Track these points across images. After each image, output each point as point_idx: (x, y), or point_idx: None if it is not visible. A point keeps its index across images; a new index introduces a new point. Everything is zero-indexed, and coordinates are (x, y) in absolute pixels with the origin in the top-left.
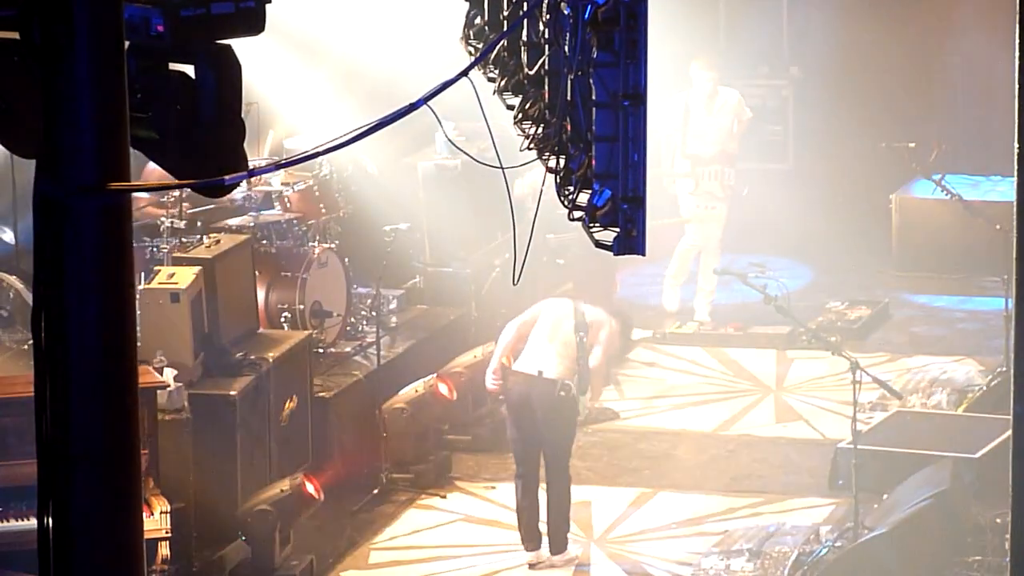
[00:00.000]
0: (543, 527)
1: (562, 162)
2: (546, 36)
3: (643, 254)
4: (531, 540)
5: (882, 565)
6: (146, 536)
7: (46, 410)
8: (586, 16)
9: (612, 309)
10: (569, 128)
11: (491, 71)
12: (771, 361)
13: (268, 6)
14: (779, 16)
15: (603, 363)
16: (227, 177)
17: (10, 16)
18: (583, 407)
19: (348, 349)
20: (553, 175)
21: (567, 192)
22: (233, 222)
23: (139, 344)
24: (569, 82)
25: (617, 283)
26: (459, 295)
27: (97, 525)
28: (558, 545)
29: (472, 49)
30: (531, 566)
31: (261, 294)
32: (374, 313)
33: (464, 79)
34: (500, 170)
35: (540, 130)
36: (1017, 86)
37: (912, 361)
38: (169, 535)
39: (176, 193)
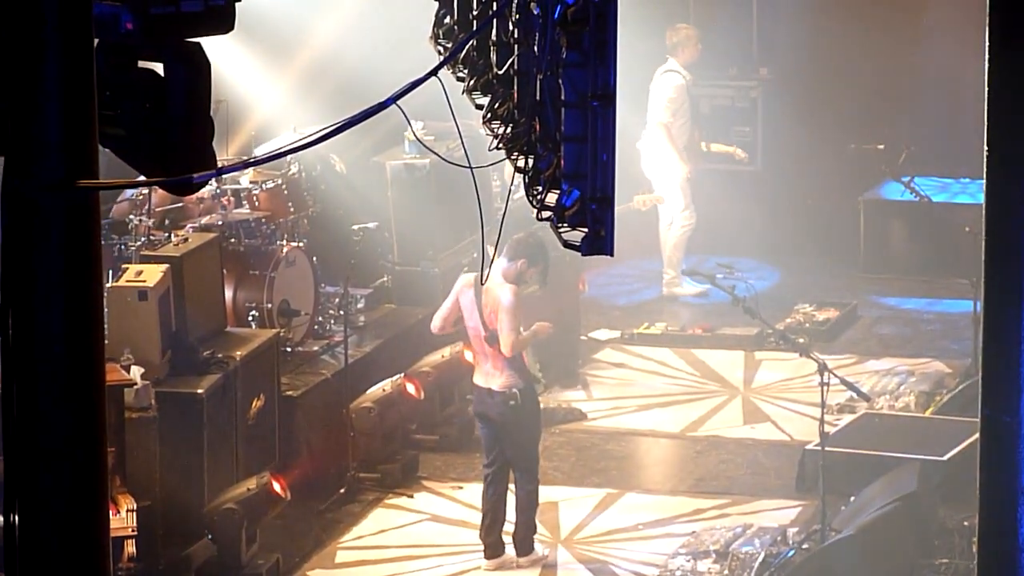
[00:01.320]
0: (507, 536)
1: (531, 162)
2: (515, 36)
3: (611, 254)
4: (492, 548)
5: (849, 567)
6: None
7: (13, 407)
8: (555, 16)
9: (512, 270)
10: (538, 128)
11: (460, 71)
12: (739, 362)
13: (237, 4)
14: (749, 17)
15: (513, 344)
16: (196, 175)
17: None
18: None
19: (316, 348)
20: (522, 175)
21: (535, 192)
22: (201, 221)
23: (106, 342)
24: (538, 82)
25: (585, 282)
26: (427, 294)
27: (63, 522)
28: (525, 547)
29: (441, 49)
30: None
31: (229, 292)
32: (342, 312)
33: (433, 78)
34: (469, 169)
35: (509, 130)
36: (987, 88)
37: (880, 363)
38: (135, 533)
39: (145, 191)
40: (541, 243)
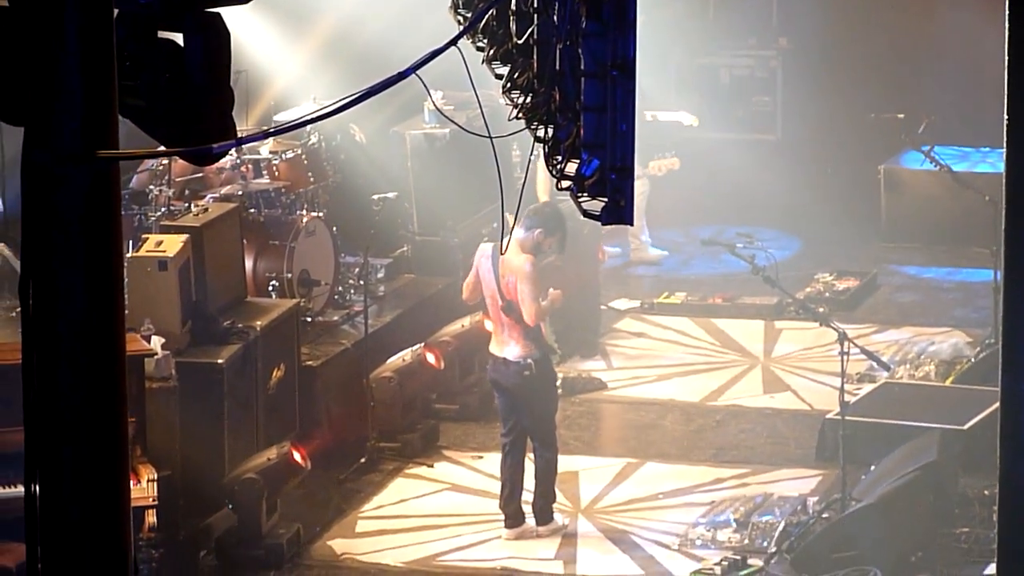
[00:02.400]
0: (527, 506)
1: (550, 132)
2: (535, 5)
3: (631, 223)
4: (512, 518)
5: (869, 536)
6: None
7: (34, 377)
8: None
9: (529, 241)
10: (558, 98)
11: (480, 40)
12: (759, 332)
13: None
14: None
15: (536, 313)
16: (215, 145)
17: None
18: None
19: (336, 318)
20: (541, 144)
21: (555, 162)
22: (222, 191)
23: (126, 312)
24: (558, 52)
25: (604, 253)
26: (447, 264)
27: (84, 493)
28: (544, 516)
29: (461, 18)
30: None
31: (249, 262)
32: (362, 282)
33: (453, 48)
34: (489, 139)
35: (528, 99)
36: (1007, 57)
37: (900, 332)
38: (156, 503)
39: (164, 161)
40: (558, 213)
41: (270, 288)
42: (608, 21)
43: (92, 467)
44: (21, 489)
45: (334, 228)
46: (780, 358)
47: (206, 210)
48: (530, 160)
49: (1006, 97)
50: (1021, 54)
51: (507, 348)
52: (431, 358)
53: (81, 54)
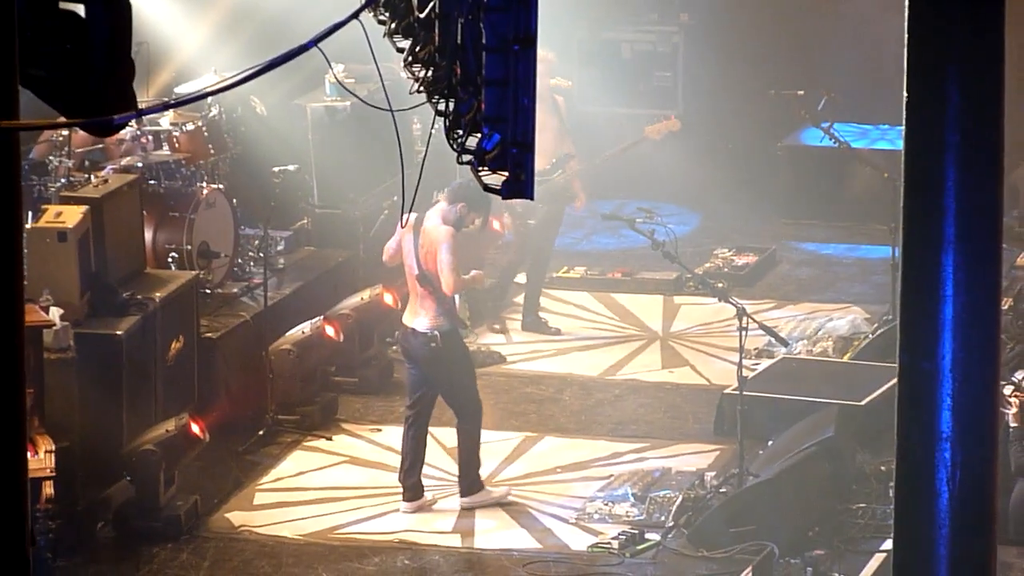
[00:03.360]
0: (425, 479)
1: (452, 106)
2: None
3: (532, 198)
4: (411, 490)
5: (766, 511)
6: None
7: None
8: None
9: (451, 214)
10: (459, 72)
11: (381, 14)
12: (658, 307)
13: None
14: None
15: (455, 284)
16: (116, 116)
17: None
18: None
19: (235, 290)
20: (442, 118)
21: (456, 136)
22: (121, 162)
23: (25, 283)
24: (460, 25)
25: (505, 225)
26: (347, 237)
27: None
28: (471, 487)
29: None
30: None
31: (149, 234)
32: (262, 254)
33: (354, 21)
34: (389, 112)
35: (430, 73)
36: (906, 35)
37: (798, 308)
38: (54, 474)
39: (65, 132)
40: (477, 190)
41: (169, 260)
42: None
43: None
44: None
45: (234, 200)
46: (679, 333)
47: (106, 181)
48: (431, 134)
49: (905, 75)
50: (920, 32)
51: (417, 319)
52: (330, 331)
53: None
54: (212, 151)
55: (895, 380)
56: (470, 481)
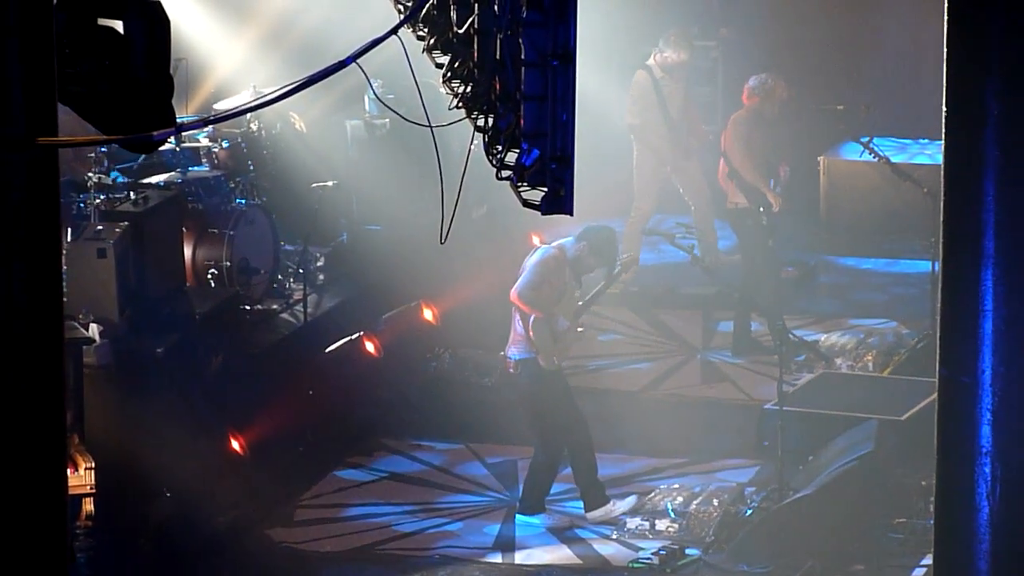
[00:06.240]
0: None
1: (491, 121)
2: None
3: (571, 214)
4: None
5: (807, 526)
6: (71, 492)
7: None
8: None
9: (571, 249)
10: (498, 87)
11: (420, 29)
12: (698, 322)
13: None
14: None
15: (523, 296)
16: (155, 133)
17: None
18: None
19: (275, 306)
20: (482, 134)
21: (495, 151)
22: (161, 178)
23: (65, 299)
24: (498, 41)
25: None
26: (387, 253)
27: (21, 481)
28: (525, 507)
29: (401, 7)
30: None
31: (188, 250)
32: (301, 270)
33: (393, 37)
34: (429, 128)
35: (469, 89)
36: (946, 49)
37: (838, 323)
38: (94, 491)
39: (104, 149)
40: (611, 238)
41: (209, 276)
42: (549, 10)
43: (29, 455)
44: None
45: (273, 216)
46: (719, 348)
47: (145, 198)
48: (470, 150)
49: (944, 89)
50: (960, 46)
51: (508, 342)
52: (370, 347)
53: (21, 41)
54: (252, 167)
55: (935, 395)
56: (525, 506)
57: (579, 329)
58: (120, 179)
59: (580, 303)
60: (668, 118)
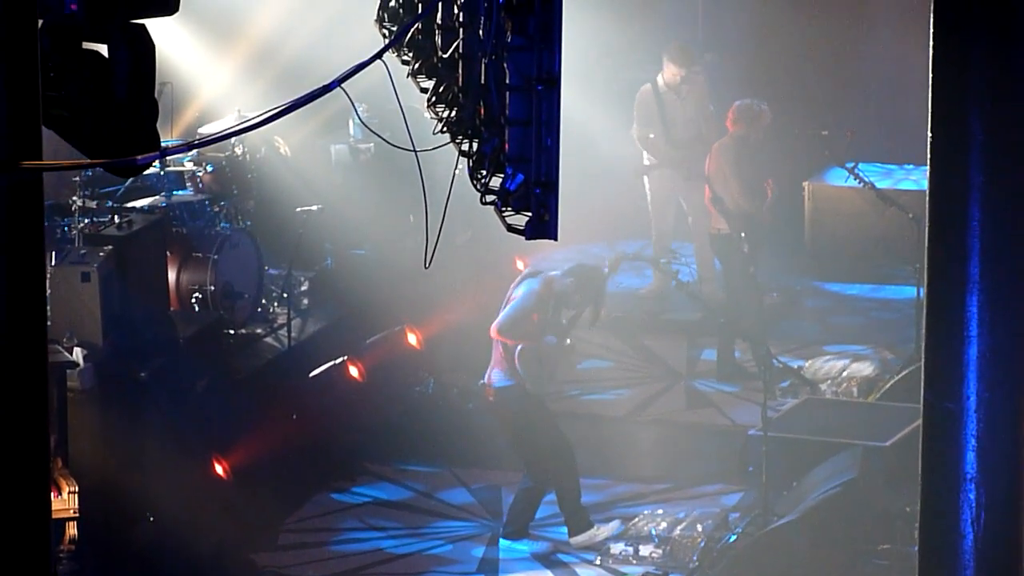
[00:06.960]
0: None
1: (475, 146)
2: (460, 19)
3: (555, 239)
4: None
5: (791, 552)
6: (54, 516)
7: None
8: (500, 0)
9: (558, 282)
10: (483, 111)
11: (405, 54)
12: (682, 347)
13: None
14: (694, 2)
15: (502, 327)
16: (139, 157)
17: None
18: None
19: (259, 330)
20: (466, 158)
21: (479, 176)
22: (145, 202)
23: (49, 323)
24: (483, 65)
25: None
26: (370, 278)
27: (3, 505)
28: (509, 532)
29: (386, 31)
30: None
31: (172, 274)
32: (285, 295)
33: (378, 62)
34: (413, 153)
35: (453, 113)
36: (931, 75)
37: (823, 349)
38: (77, 515)
39: (88, 173)
40: (599, 280)
41: (193, 300)
42: (534, 35)
43: (12, 479)
44: None
45: (258, 240)
46: (703, 373)
47: (129, 222)
48: (454, 175)
49: (929, 115)
50: (944, 72)
51: (488, 367)
52: (354, 371)
53: (5, 64)
54: (236, 191)
55: (920, 421)
56: (509, 531)
57: (567, 342)
58: (105, 203)
59: (565, 321)
60: (670, 135)
